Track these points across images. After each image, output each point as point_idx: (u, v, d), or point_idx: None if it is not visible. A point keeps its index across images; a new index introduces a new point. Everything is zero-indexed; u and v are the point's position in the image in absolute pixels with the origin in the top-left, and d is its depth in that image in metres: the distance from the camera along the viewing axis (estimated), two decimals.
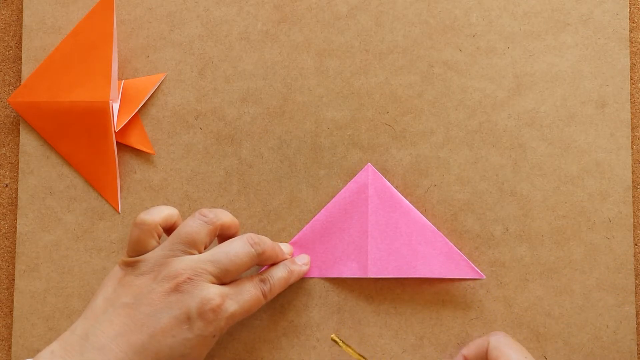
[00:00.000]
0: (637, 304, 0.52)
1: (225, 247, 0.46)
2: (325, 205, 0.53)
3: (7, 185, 0.55)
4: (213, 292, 0.44)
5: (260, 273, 0.49)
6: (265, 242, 0.48)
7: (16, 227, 0.54)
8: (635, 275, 0.52)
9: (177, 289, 0.44)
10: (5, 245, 0.54)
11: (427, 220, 0.52)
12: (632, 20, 0.54)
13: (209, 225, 0.46)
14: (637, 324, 0.52)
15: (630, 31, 0.54)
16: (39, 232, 0.54)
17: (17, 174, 0.54)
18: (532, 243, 0.52)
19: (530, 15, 0.54)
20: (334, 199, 0.52)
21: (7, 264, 0.54)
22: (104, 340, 0.43)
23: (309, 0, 0.54)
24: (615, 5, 0.53)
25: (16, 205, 0.54)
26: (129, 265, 0.46)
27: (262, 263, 0.49)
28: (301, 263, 0.51)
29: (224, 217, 0.47)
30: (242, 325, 0.52)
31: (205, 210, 0.47)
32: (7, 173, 0.55)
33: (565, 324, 0.52)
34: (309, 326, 0.52)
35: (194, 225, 0.46)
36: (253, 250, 0.46)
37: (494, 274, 0.52)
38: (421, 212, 0.53)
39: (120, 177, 0.54)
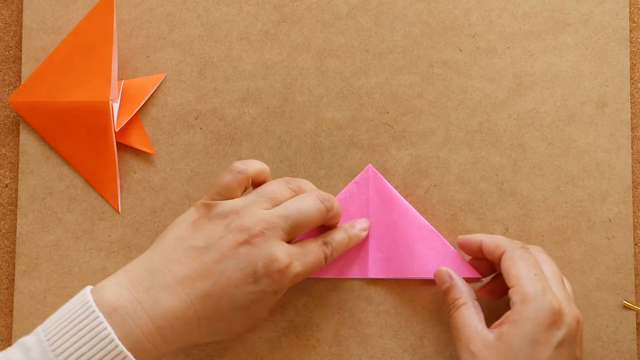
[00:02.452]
0: (637, 304, 0.52)
1: (296, 202, 0.46)
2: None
3: (7, 185, 0.55)
4: (282, 251, 0.44)
5: (323, 236, 0.49)
6: (333, 199, 0.48)
7: (16, 227, 0.54)
8: (635, 275, 0.52)
9: (248, 241, 0.44)
10: (5, 245, 0.54)
11: (427, 222, 0.52)
12: (632, 20, 0.54)
13: (292, 192, 0.47)
14: (637, 324, 0.52)
15: (630, 31, 0.54)
16: (39, 232, 0.54)
17: (17, 174, 0.54)
18: (532, 243, 0.52)
19: (530, 15, 0.54)
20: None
21: (7, 264, 0.54)
22: (170, 279, 0.43)
23: (309, 0, 0.54)
24: (615, 5, 0.53)
25: (16, 205, 0.54)
26: (207, 208, 0.46)
27: (329, 221, 0.49)
28: (359, 228, 0.51)
29: (307, 187, 0.48)
30: None
31: (289, 179, 0.48)
32: (7, 173, 0.55)
33: None
34: (309, 326, 0.52)
35: (279, 187, 0.47)
36: (323, 206, 0.47)
37: None
38: (421, 212, 0.53)
39: (120, 177, 0.54)
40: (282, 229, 0.45)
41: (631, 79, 0.54)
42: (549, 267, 0.46)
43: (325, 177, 0.53)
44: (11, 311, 0.54)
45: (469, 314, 0.46)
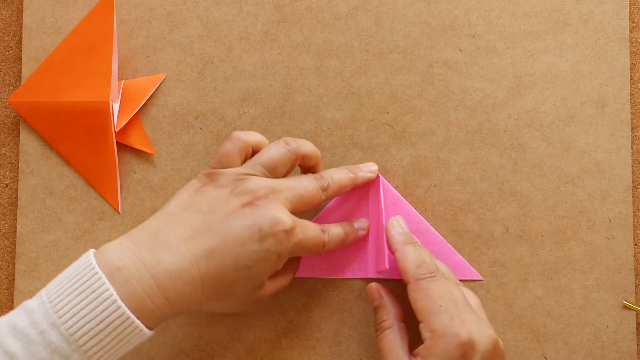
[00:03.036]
0: (637, 304, 0.52)
1: (296, 178, 0.47)
2: (325, 206, 0.53)
3: (7, 185, 0.55)
4: (286, 214, 0.45)
5: (321, 225, 0.48)
6: (329, 178, 0.48)
7: (16, 227, 0.54)
8: (635, 275, 0.52)
9: (253, 202, 0.44)
10: (5, 245, 0.54)
11: (427, 223, 0.52)
12: (632, 20, 0.54)
13: (291, 153, 0.47)
14: (637, 324, 0.52)
15: (630, 31, 0.54)
16: (39, 232, 0.54)
17: (17, 174, 0.54)
18: (532, 243, 0.52)
19: (530, 15, 0.54)
20: (334, 200, 0.52)
21: (7, 264, 0.54)
22: (173, 239, 0.43)
23: (309, 0, 0.54)
24: (615, 5, 0.53)
25: (16, 205, 0.54)
26: (209, 176, 0.46)
27: (330, 197, 0.49)
28: (358, 227, 0.51)
29: (307, 147, 0.48)
30: (242, 325, 0.52)
31: (289, 139, 0.48)
32: (7, 173, 0.55)
33: (565, 324, 0.52)
34: (309, 326, 0.52)
35: (277, 152, 0.47)
36: (318, 184, 0.47)
37: (494, 274, 0.52)
38: (421, 212, 0.53)
39: (120, 177, 0.54)
40: (286, 198, 0.45)
41: (631, 79, 0.54)
42: (455, 290, 0.45)
43: None
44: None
45: (393, 339, 0.46)
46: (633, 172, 0.53)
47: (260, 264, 0.44)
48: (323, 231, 0.48)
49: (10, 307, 0.53)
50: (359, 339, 0.52)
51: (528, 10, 0.54)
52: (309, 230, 0.46)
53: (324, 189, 0.48)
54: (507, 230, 0.53)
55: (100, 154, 0.53)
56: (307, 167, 0.50)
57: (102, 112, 0.52)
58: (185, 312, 0.44)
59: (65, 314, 0.40)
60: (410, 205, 0.52)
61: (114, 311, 0.40)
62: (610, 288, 0.52)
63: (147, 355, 0.52)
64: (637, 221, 0.53)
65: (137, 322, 0.41)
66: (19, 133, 0.55)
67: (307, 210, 0.47)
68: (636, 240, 0.53)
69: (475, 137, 0.53)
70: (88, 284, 0.41)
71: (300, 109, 0.54)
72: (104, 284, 0.40)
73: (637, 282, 0.52)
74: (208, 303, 0.44)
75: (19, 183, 0.54)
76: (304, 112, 0.54)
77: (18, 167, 0.54)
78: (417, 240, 0.49)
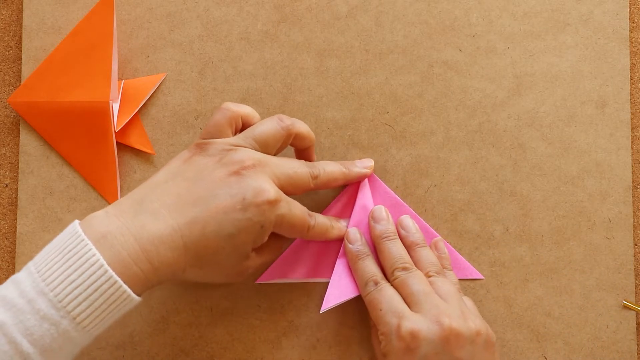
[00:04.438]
0: (637, 304, 0.52)
1: (288, 160, 0.47)
2: (324, 205, 0.53)
3: (7, 185, 0.55)
4: (271, 186, 0.45)
5: (308, 210, 0.49)
6: (321, 169, 0.48)
7: (16, 227, 0.54)
8: (635, 275, 0.52)
9: (239, 172, 0.44)
10: (5, 245, 0.54)
11: (426, 223, 0.52)
12: (632, 20, 0.54)
13: (284, 130, 0.47)
14: (637, 324, 0.52)
15: (630, 31, 0.54)
16: (39, 232, 0.54)
17: (17, 174, 0.54)
18: (532, 243, 0.52)
19: (530, 15, 0.54)
20: (333, 202, 0.52)
21: (7, 264, 0.54)
22: (157, 206, 0.43)
23: (309, 0, 0.54)
24: (615, 5, 0.53)
25: (16, 205, 0.54)
26: (198, 146, 0.46)
27: (319, 187, 0.49)
28: (344, 224, 0.51)
29: (301, 126, 0.48)
30: (242, 325, 0.52)
31: (283, 116, 0.48)
32: (7, 173, 0.55)
33: (565, 324, 0.52)
34: (309, 326, 0.52)
35: (270, 127, 0.47)
36: (308, 170, 0.47)
37: (494, 274, 0.52)
38: (421, 212, 0.53)
39: (120, 177, 0.54)
40: (273, 172, 0.45)
41: (631, 79, 0.54)
42: (416, 283, 0.47)
43: None
44: None
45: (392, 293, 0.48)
46: (633, 172, 0.53)
47: (243, 233, 0.44)
48: (310, 215, 0.48)
49: None
50: (359, 339, 0.52)
51: (528, 10, 0.54)
52: (294, 207, 0.46)
53: (314, 177, 0.48)
54: (507, 230, 0.53)
55: (100, 154, 0.53)
56: (300, 148, 0.50)
57: (102, 112, 0.52)
58: (171, 279, 0.44)
59: (52, 281, 0.40)
60: (408, 207, 0.52)
61: (101, 275, 0.40)
62: (610, 288, 0.52)
63: (147, 355, 0.52)
64: (637, 221, 0.53)
65: (124, 286, 0.41)
66: (19, 133, 0.55)
67: (294, 194, 0.47)
68: (636, 240, 0.53)
69: (475, 137, 0.53)
70: (75, 251, 0.41)
71: (300, 109, 0.54)
72: (90, 249, 0.41)
73: (637, 282, 0.52)
74: (192, 270, 0.44)
75: (19, 183, 0.54)
76: (304, 112, 0.54)
77: (18, 167, 0.54)
78: (369, 252, 0.50)
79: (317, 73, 0.54)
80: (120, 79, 0.54)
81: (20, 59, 0.55)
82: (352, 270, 0.50)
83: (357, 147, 0.53)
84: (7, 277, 0.54)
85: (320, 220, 0.49)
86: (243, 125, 0.48)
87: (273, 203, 0.44)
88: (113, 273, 0.41)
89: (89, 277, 0.40)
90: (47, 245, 0.42)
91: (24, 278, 0.41)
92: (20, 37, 0.56)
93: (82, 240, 0.41)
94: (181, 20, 0.54)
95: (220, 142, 0.46)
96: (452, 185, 0.53)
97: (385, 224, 0.50)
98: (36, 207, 0.54)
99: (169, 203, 0.43)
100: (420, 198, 0.53)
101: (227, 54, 0.54)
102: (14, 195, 0.54)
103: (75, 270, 0.40)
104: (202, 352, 0.52)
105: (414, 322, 0.45)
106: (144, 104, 0.54)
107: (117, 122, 0.53)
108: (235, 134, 0.48)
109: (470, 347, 0.45)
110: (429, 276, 0.48)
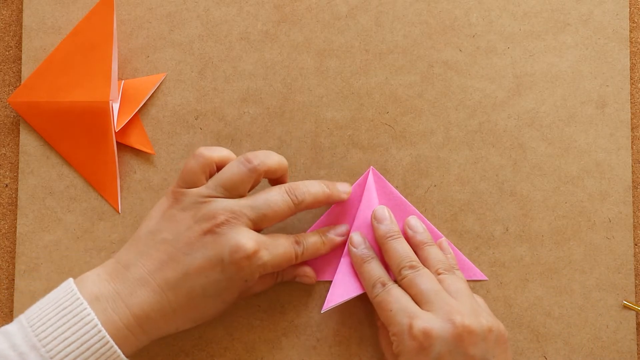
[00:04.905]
0: (637, 304, 0.52)
1: (264, 194, 0.47)
2: (327, 206, 0.53)
3: (7, 185, 0.55)
4: (248, 237, 0.45)
5: (296, 235, 0.49)
6: (304, 191, 0.48)
7: (16, 227, 0.54)
8: (635, 275, 0.52)
9: (213, 230, 0.45)
10: (5, 245, 0.54)
11: (430, 223, 0.52)
12: (632, 20, 0.54)
13: (251, 172, 0.47)
14: (637, 324, 0.52)
15: (630, 31, 0.54)
16: (39, 232, 0.54)
17: (17, 174, 0.54)
18: (532, 243, 0.52)
19: (530, 15, 0.54)
20: (336, 203, 0.52)
21: (7, 264, 0.54)
22: (143, 272, 0.44)
23: (309, 0, 0.54)
24: (615, 5, 0.53)
25: (16, 205, 0.54)
26: (174, 196, 0.47)
27: (302, 210, 0.49)
28: (335, 233, 0.51)
29: (270, 162, 0.47)
30: (242, 325, 0.52)
31: (250, 156, 0.47)
32: (7, 173, 0.55)
33: (565, 324, 0.52)
34: (309, 326, 0.52)
35: (237, 171, 0.47)
36: (289, 199, 0.47)
37: (494, 274, 0.52)
38: (421, 212, 0.53)
39: (120, 177, 0.54)
40: (248, 218, 0.46)
41: (631, 79, 0.54)
42: (425, 281, 0.47)
43: (325, 177, 0.53)
44: (11, 311, 0.54)
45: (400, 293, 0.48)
46: (633, 172, 0.53)
47: (227, 291, 0.45)
48: (297, 242, 0.48)
49: (10, 307, 0.54)
50: (359, 339, 0.52)
51: (528, 10, 0.54)
52: (277, 247, 0.46)
53: (298, 203, 0.47)
54: (507, 230, 0.53)
55: (100, 154, 0.53)
56: (272, 178, 0.49)
57: (102, 112, 0.52)
58: (164, 336, 0.46)
59: (45, 337, 0.41)
60: (413, 207, 0.52)
61: (94, 335, 0.42)
62: (610, 288, 0.52)
63: (147, 356, 0.52)
64: (637, 221, 0.53)
65: (116, 347, 0.42)
66: (19, 133, 0.55)
67: (275, 223, 0.47)
68: (636, 240, 0.53)
69: (475, 137, 0.53)
70: (70, 309, 0.42)
71: (300, 109, 0.54)
72: (85, 308, 0.42)
73: (637, 282, 0.52)
74: (184, 326, 0.46)
75: (19, 183, 0.54)
76: (304, 112, 0.54)
77: (18, 167, 0.54)
78: (374, 254, 0.50)
79: (317, 73, 0.54)
80: (120, 79, 0.54)
81: (20, 59, 0.55)
82: (358, 274, 0.50)
83: (357, 147, 0.53)
84: (7, 277, 0.54)
85: (310, 242, 0.49)
86: (218, 169, 0.48)
87: (251, 257, 0.45)
88: (106, 333, 0.42)
89: (82, 336, 0.41)
90: (39, 300, 0.44)
91: (15, 330, 0.42)
92: (20, 37, 0.56)
93: (78, 299, 0.42)
94: (181, 20, 0.54)
95: (193, 194, 0.46)
96: (452, 185, 0.53)
97: (389, 224, 0.50)
98: (36, 207, 0.54)
99: (153, 269, 0.45)
100: (420, 198, 0.53)
101: (227, 54, 0.54)
102: (14, 195, 0.54)
103: (69, 328, 0.41)
104: (202, 352, 0.52)
105: (426, 320, 0.44)
106: (144, 104, 0.54)
107: (117, 122, 0.53)
108: (210, 177, 0.47)
109: (483, 344, 0.44)
110: (439, 274, 0.48)
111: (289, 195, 0.47)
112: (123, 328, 0.43)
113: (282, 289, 0.52)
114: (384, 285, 0.48)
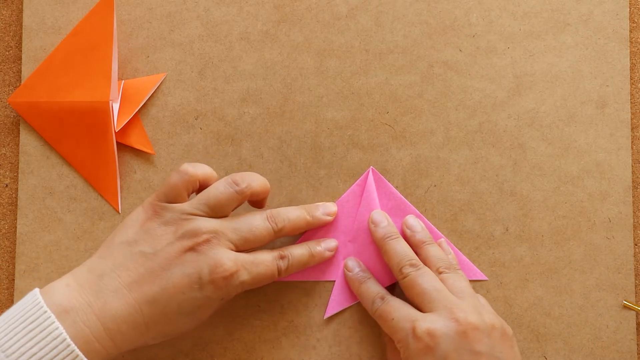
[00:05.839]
0: (637, 304, 0.52)
1: (246, 218, 0.47)
2: None
3: (7, 185, 0.55)
4: (228, 258, 0.45)
5: (281, 248, 0.49)
6: (284, 219, 0.48)
7: (16, 227, 0.54)
8: (635, 275, 0.52)
9: (194, 248, 0.44)
10: (5, 245, 0.54)
11: (430, 223, 0.52)
12: (632, 20, 0.54)
13: (238, 194, 0.46)
14: (637, 324, 0.52)
15: (630, 31, 0.54)
16: (39, 232, 0.54)
17: (17, 174, 0.54)
18: (532, 243, 0.52)
19: (530, 15, 0.54)
20: (336, 202, 0.52)
21: (7, 264, 0.54)
22: (118, 284, 0.44)
23: (309, 0, 0.54)
24: (615, 5, 0.53)
25: (16, 205, 0.54)
26: (154, 210, 0.46)
27: (282, 236, 0.49)
28: (325, 247, 0.51)
29: (255, 185, 0.47)
30: (242, 325, 0.52)
31: (237, 178, 0.47)
32: (7, 173, 0.55)
33: (565, 324, 0.52)
34: (309, 326, 0.52)
35: (223, 192, 0.46)
36: (270, 226, 0.47)
37: (494, 274, 0.52)
38: (421, 212, 0.53)
39: (120, 177, 0.54)
40: (229, 239, 0.45)
41: (631, 79, 0.54)
42: (427, 280, 0.47)
43: (325, 177, 0.53)
44: None
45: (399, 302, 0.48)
46: (633, 172, 0.53)
47: (203, 309, 0.45)
48: (282, 257, 0.48)
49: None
50: (359, 339, 0.52)
51: (528, 10, 0.54)
52: (257, 266, 0.46)
53: (277, 231, 0.47)
54: (507, 230, 0.53)
55: (100, 154, 0.53)
56: (253, 200, 0.49)
57: (102, 112, 0.52)
58: (133, 349, 0.45)
59: (13, 352, 0.40)
60: (413, 207, 0.52)
61: (63, 349, 0.41)
62: (610, 288, 0.52)
63: (147, 356, 0.52)
64: (637, 221, 0.53)
65: None
66: (19, 133, 0.55)
67: (259, 246, 0.47)
68: (636, 240, 0.53)
69: (475, 137, 0.53)
70: (37, 323, 0.41)
71: (300, 109, 0.54)
72: (53, 322, 0.41)
73: (637, 282, 0.52)
74: (154, 341, 0.46)
75: (19, 183, 0.54)
76: (304, 112, 0.54)
77: (18, 167, 0.54)
78: (370, 275, 0.50)
79: (317, 73, 0.54)
80: (120, 79, 0.54)
81: (20, 59, 0.55)
82: (357, 296, 0.50)
83: (357, 147, 0.53)
84: (7, 277, 0.54)
85: (296, 255, 0.49)
86: (200, 187, 0.47)
87: (229, 278, 0.45)
88: (75, 347, 0.41)
89: (50, 351, 0.41)
90: (5, 312, 0.42)
91: None
92: (20, 37, 0.56)
93: (45, 312, 0.41)
94: (181, 20, 0.54)
95: (176, 210, 0.46)
96: (452, 185, 0.53)
97: (387, 226, 0.50)
98: (36, 207, 0.54)
99: (129, 281, 0.44)
100: (420, 198, 0.53)
101: (227, 54, 0.54)
102: (14, 195, 0.54)
103: (37, 343, 0.41)
104: (202, 352, 0.52)
105: (429, 321, 0.44)
106: (144, 104, 0.54)
107: (117, 122, 0.53)
108: (191, 193, 0.47)
109: (488, 341, 0.44)
110: (440, 272, 0.48)
111: (269, 222, 0.47)
112: (94, 341, 0.42)
113: (282, 289, 0.52)
114: (382, 298, 0.48)
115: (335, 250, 0.51)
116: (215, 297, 0.45)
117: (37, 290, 0.43)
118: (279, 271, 0.48)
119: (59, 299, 0.42)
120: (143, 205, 0.47)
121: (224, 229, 0.45)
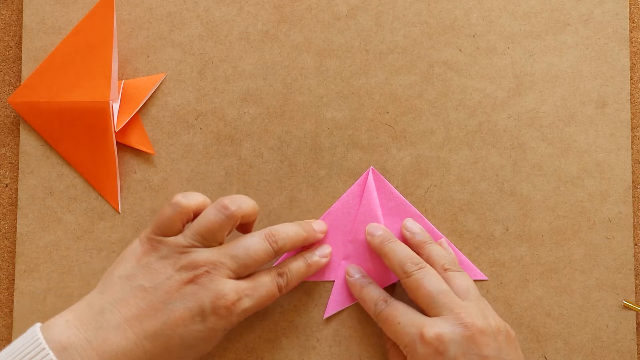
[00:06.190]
0: (637, 304, 0.52)
1: (244, 242, 0.47)
2: (325, 205, 0.53)
3: (7, 185, 0.55)
4: (229, 288, 0.45)
5: (278, 265, 0.49)
6: (284, 237, 0.48)
7: (16, 227, 0.54)
8: (635, 275, 0.52)
9: (194, 280, 0.44)
10: (5, 245, 0.54)
11: (430, 224, 0.52)
12: (632, 20, 0.54)
13: (229, 219, 0.46)
14: (637, 324, 0.52)
15: (630, 31, 0.54)
16: (39, 232, 0.54)
17: (17, 174, 0.54)
18: (532, 243, 0.52)
19: (530, 15, 0.54)
20: (336, 203, 0.52)
21: (7, 264, 0.54)
22: (118, 319, 0.43)
23: (309, 0, 0.54)
24: (615, 5, 0.53)
25: (16, 205, 0.54)
26: (150, 244, 0.46)
27: (280, 255, 0.49)
28: (319, 255, 0.51)
29: (246, 207, 0.47)
30: (242, 325, 0.52)
31: (226, 202, 0.46)
32: (7, 173, 0.55)
33: (565, 324, 0.52)
34: (309, 326, 0.52)
35: (214, 219, 0.46)
36: (270, 247, 0.47)
37: (494, 274, 0.52)
38: (421, 212, 0.53)
39: (120, 177, 0.54)
40: (228, 268, 0.45)
41: (631, 79, 0.54)
42: (432, 282, 0.47)
43: (325, 177, 0.53)
44: (11, 311, 0.54)
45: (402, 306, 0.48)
46: (633, 172, 0.53)
47: (206, 341, 0.45)
48: (280, 274, 0.48)
49: (10, 307, 0.54)
50: (359, 339, 0.52)
51: (528, 10, 0.54)
52: (259, 290, 0.46)
53: (277, 250, 0.47)
54: (507, 230, 0.53)
55: (100, 154, 0.53)
56: (245, 223, 0.49)
57: (102, 112, 0.52)
58: None
59: None
60: (413, 207, 0.52)
61: None
62: (610, 288, 0.52)
63: None
64: (637, 221, 0.53)
65: None
66: (19, 133, 0.55)
67: (258, 269, 0.47)
68: (636, 240, 0.53)
69: (475, 137, 0.53)
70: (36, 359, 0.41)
71: (300, 109, 0.54)
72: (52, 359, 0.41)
73: (637, 282, 0.52)
74: None
75: (19, 183, 0.54)
76: (304, 112, 0.54)
77: (18, 167, 0.54)
78: (371, 280, 0.50)
79: (317, 73, 0.54)
80: (120, 79, 0.54)
81: (20, 59, 0.55)
82: (359, 300, 0.50)
83: (357, 147, 0.53)
84: (7, 277, 0.54)
85: (294, 269, 0.49)
86: (195, 215, 0.47)
87: (231, 307, 0.44)
88: None
89: None
90: (6, 347, 0.42)
91: None
92: (20, 37, 0.56)
93: (44, 349, 0.41)
94: (181, 20, 0.54)
95: (172, 244, 0.45)
96: (452, 185, 0.53)
97: (383, 233, 0.50)
98: (36, 207, 0.54)
99: (129, 316, 0.43)
100: (420, 198, 0.53)
101: (227, 54, 0.54)
102: (14, 195, 0.54)
103: None
104: None
105: (437, 326, 0.44)
106: (144, 104, 0.54)
107: (117, 122, 0.53)
108: (186, 223, 0.47)
109: (495, 344, 0.44)
110: (445, 269, 0.48)
111: (269, 243, 0.47)
112: None
113: None
114: (386, 301, 0.48)
115: (330, 255, 0.51)
116: (218, 328, 0.45)
117: (37, 325, 0.43)
118: (280, 289, 0.48)
119: (58, 335, 0.42)
120: (139, 239, 0.46)
121: (222, 258, 0.45)
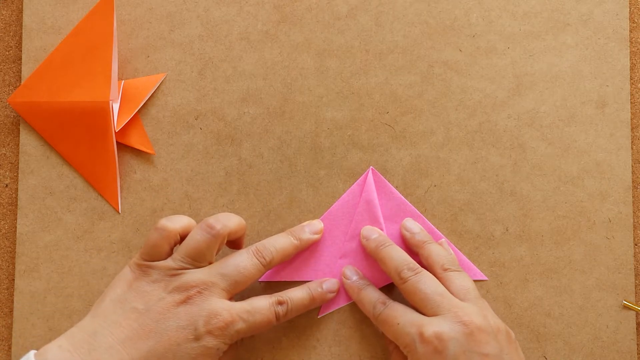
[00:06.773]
0: (637, 304, 0.52)
1: (233, 260, 0.47)
2: (325, 205, 0.53)
3: (7, 185, 0.55)
4: (222, 307, 0.45)
5: (280, 293, 0.49)
6: (272, 251, 0.48)
7: (16, 227, 0.54)
8: (635, 275, 0.52)
9: (186, 301, 0.45)
10: (5, 245, 0.54)
11: (430, 224, 0.52)
12: (632, 20, 0.54)
13: (216, 238, 0.46)
14: (637, 324, 0.52)
15: (630, 31, 0.54)
16: (39, 232, 0.54)
17: (17, 174, 0.54)
18: (532, 243, 0.52)
19: (530, 15, 0.54)
20: (336, 203, 0.52)
21: (7, 264, 0.54)
22: (111, 341, 0.43)
23: (309, 0, 0.54)
24: (615, 5, 0.53)
25: (16, 205, 0.54)
26: (141, 269, 0.46)
27: (272, 267, 0.49)
28: (327, 289, 0.50)
29: (231, 224, 0.47)
30: None
31: (211, 221, 0.47)
32: (7, 173, 0.55)
33: (565, 324, 0.52)
34: (309, 326, 0.52)
35: (201, 240, 0.46)
36: (259, 263, 0.47)
37: (494, 274, 0.52)
38: (421, 212, 0.53)
39: (120, 177, 0.54)
40: (220, 287, 0.45)
41: (631, 79, 0.54)
42: (428, 285, 0.46)
43: (325, 177, 0.53)
44: (11, 311, 0.54)
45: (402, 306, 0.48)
46: (633, 172, 0.53)
47: (200, 358, 0.44)
48: (281, 302, 0.48)
49: (10, 307, 0.54)
50: (359, 339, 0.52)
51: (528, 10, 0.54)
52: (253, 315, 0.46)
53: (267, 264, 0.47)
54: (507, 230, 0.53)
55: (100, 154, 0.53)
56: (233, 240, 0.49)
57: (102, 112, 0.52)
58: None
59: None
60: (413, 207, 0.52)
61: None
62: (610, 288, 0.52)
63: None
64: (637, 221, 0.53)
65: None
66: (19, 133, 0.55)
67: (250, 285, 0.47)
68: (636, 240, 0.53)
69: (475, 137, 0.53)
70: None
71: (300, 109, 0.54)
72: None
73: (637, 282, 0.52)
74: None
75: (19, 183, 0.54)
76: (304, 112, 0.54)
77: (18, 167, 0.54)
78: (369, 282, 0.50)
79: (317, 73, 0.54)
80: (120, 79, 0.54)
81: (20, 59, 0.55)
82: (357, 303, 0.50)
83: (357, 147, 0.53)
84: (7, 277, 0.54)
85: (296, 300, 0.49)
86: (181, 238, 0.47)
87: (225, 327, 0.44)
88: None
89: None
90: None
91: None
92: (20, 37, 0.56)
93: None
94: (181, 20, 0.54)
95: (162, 268, 0.46)
96: (452, 185, 0.53)
97: (379, 237, 0.50)
98: (36, 207, 0.54)
99: (122, 337, 0.43)
100: (420, 198, 0.53)
101: (227, 54, 0.54)
102: (14, 195, 0.54)
103: None
104: None
105: (436, 325, 0.44)
106: (144, 104, 0.54)
107: (117, 122, 0.53)
108: (175, 246, 0.47)
109: (495, 343, 0.44)
110: (445, 269, 0.48)
111: (257, 259, 0.47)
112: None
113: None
114: (384, 303, 0.48)
115: (338, 290, 0.51)
116: (211, 346, 0.44)
117: (32, 353, 0.43)
118: (277, 317, 0.47)
119: None
120: (129, 265, 0.47)
121: (214, 278, 0.45)
